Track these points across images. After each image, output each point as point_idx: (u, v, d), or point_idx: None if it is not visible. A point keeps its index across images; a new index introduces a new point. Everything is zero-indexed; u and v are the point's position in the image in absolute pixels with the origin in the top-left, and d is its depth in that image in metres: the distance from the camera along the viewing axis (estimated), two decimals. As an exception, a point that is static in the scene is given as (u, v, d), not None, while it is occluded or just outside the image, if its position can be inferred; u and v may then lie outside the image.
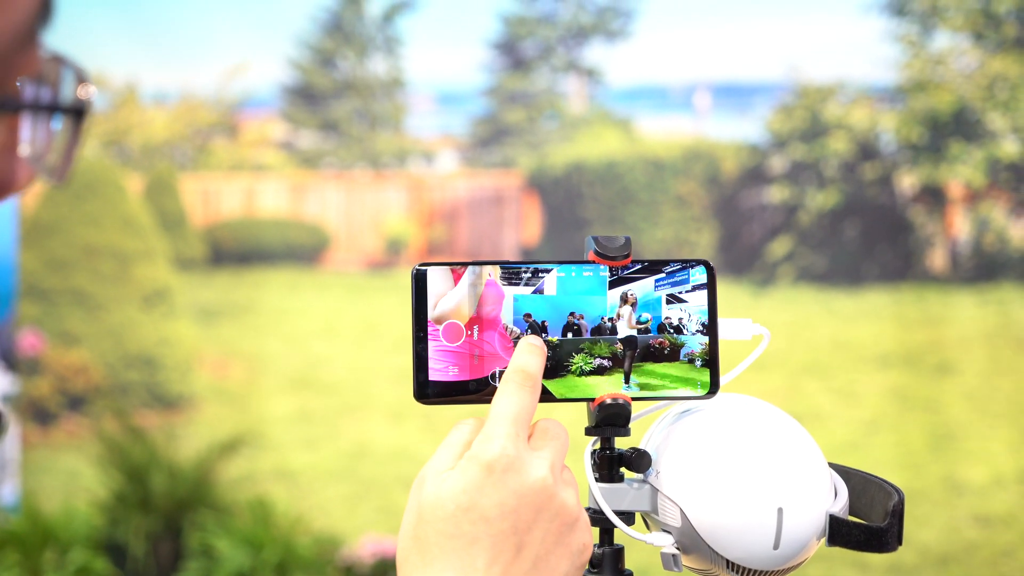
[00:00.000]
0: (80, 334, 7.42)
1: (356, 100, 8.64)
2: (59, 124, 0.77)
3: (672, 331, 1.02)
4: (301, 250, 8.37)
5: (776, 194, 7.67)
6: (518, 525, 0.89)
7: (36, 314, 7.41)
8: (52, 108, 0.77)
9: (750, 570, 1.00)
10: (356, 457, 7.19)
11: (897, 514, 0.99)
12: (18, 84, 0.75)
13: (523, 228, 8.29)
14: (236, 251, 8.24)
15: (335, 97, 8.67)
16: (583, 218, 7.98)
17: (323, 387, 7.70)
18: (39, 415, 7.41)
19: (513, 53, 8.56)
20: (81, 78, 0.79)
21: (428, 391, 1.00)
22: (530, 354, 0.98)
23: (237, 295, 8.15)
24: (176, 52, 8.38)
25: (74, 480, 6.87)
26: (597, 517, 1.01)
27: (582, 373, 1.02)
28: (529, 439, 0.94)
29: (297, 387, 7.69)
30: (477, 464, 0.90)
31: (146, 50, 8.30)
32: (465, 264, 1.01)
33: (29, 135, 0.76)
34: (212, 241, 8.17)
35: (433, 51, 8.87)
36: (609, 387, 1.01)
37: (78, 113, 0.78)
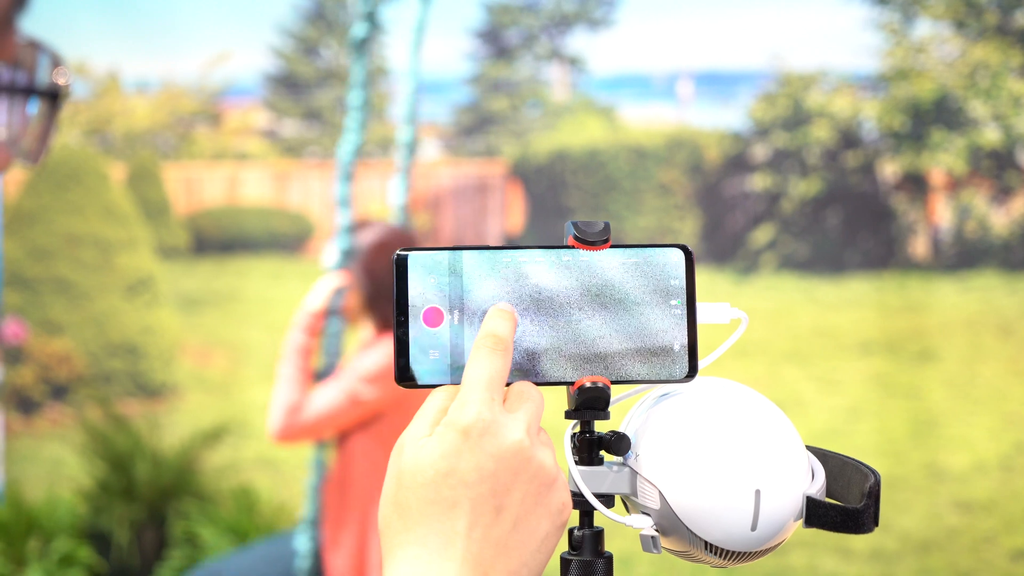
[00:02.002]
0: (63, 323, 7.41)
1: (339, 89, 8.63)
2: (35, 108, 0.78)
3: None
4: (284, 239, 8.36)
5: (759, 182, 7.69)
6: (497, 488, 0.91)
7: (19, 303, 7.39)
8: (28, 92, 0.77)
9: (728, 551, 1.01)
10: (340, 445, 7.19)
11: (873, 495, 1.00)
12: None
13: (507, 216, 8.30)
14: (219, 240, 8.23)
15: (318, 86, 8.66)
16: (566, 206, 7.99)
17: (307, 375, 7.70)
18: (22, 404, 7.40)
19: (496, 42, 8.56)
20: (57, 63, 0.79)
21: (409, 375, 1.01)
22: (500, 319, 0.98)
23: (220, 284, 8.14)
24: (158, 41, 8.36)
25: (58, 469, 6.86)
26: (577, 500, 1.02)
27: None
28: (504, 403, 0.95)
29: (281, 376, 7.68)
30: (454, 430, 0.91)
31: (128, 39, 8.28)
32: (446, 250, 1.01)
33: (5, 119, 0.76)
34: (195, 230, 8.16)
35: (416, 39, 8.86)
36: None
37: (53, 97, 0.79)
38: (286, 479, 6.85)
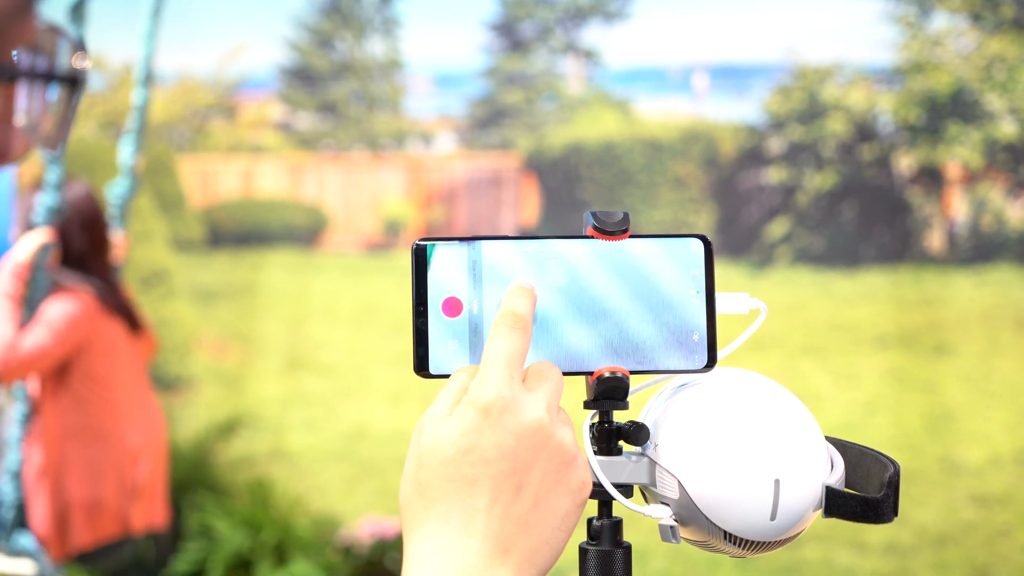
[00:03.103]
0: (79, 316, 7.42)
1: (354, 81, 8.64)
2: (54, 94, 0.78)
3: None
4: (299, 232, 8.37)
5: (774, 175, 7.68)
6: (517, 465, 0.91)
7: (35, 296, 7.40)
8: (48, 77, 0.77)
9: (747, 541, 1.01)
10: (354, 439, 7.20)
11: (893, 485, 1.00)
12: (14, 53, 0.75)
13: (521, 209, 8.30)
14: (234, 232, 8.24)
15: (333, 79, 8.66)
16: (581, 199, 7.98)
17: (321, 369, 7.71)
18: (38, 396, 7.41)
19: (511, 34, 8.55)
20: (76, 48, 0.79)
21: (428, 365, 1.01)
22: (520, 296, 0.98)
23: (235, 277, 8.15)
24: (174, 33, 8.36)
25: (73, 461, 6.88)
26: (596, 490, 1.02)
27: None
28: (524, 381, 0.95)
29: (295, 369, 7.70)
30: (474, 408, 0.92)
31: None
32: (465, 240, 1.01)
33: (25, 104, 0.76)
34: (210, 222, 8.17)
35: (431, 32, 8.86)
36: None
37: (73, 82, 0.78)
38: (301, 473, 6.86)
